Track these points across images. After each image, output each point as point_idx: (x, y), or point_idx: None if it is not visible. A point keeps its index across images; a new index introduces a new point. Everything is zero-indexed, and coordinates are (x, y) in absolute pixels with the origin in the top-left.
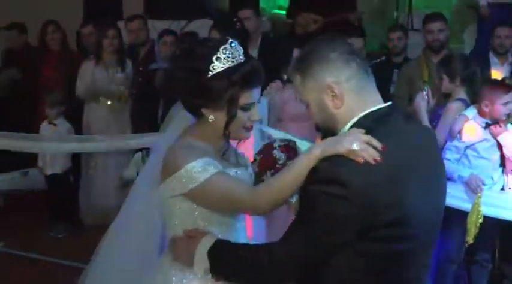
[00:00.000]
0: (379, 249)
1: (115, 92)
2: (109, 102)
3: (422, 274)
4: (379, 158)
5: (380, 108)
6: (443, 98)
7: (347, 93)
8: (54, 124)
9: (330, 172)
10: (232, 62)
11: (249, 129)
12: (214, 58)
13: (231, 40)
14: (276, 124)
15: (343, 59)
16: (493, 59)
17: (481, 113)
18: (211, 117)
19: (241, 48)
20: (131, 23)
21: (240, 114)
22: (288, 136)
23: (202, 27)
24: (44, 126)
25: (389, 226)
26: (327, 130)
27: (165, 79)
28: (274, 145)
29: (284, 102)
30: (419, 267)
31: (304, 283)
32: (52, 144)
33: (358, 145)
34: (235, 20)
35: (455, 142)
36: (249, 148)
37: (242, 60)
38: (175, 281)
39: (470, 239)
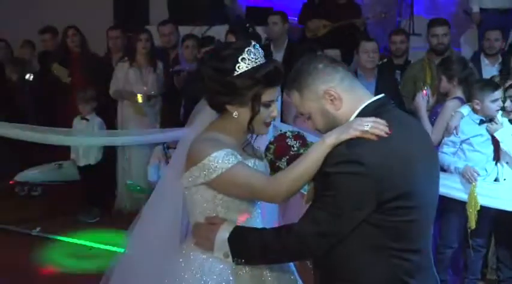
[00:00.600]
0: (390, 220)
1: (146, 91)
2: (140, 101)
3: (425, 246)
4: (389, 131)
5: (377, 99)
6: (442, 97)
7: (343, 93)
8: (87, 120)
9: (347, 154)
10: (256, 62)
11: (268, 124)
12: (239, 59)
13: (254, 43)
14: (292, 121)
15: (331, 66)
16: (483, 60)
17: (475, 110)
18: (235, 113)
19: (262, 50)
20: (164, 27)
21: (262, 110)
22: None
23: (221, 32)
24: (77, 121)
25: (398, 198)
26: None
27: (193, 79)
28: (287, 134)
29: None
30: (423, 239)
31: (321, 259)
32: (84, 138)
33: (369, 125)
34: (247, 25)
35: (452, 137)
36: (264, 142)
37: (264, 61)
38: (197, 265)
39: (472, 224)
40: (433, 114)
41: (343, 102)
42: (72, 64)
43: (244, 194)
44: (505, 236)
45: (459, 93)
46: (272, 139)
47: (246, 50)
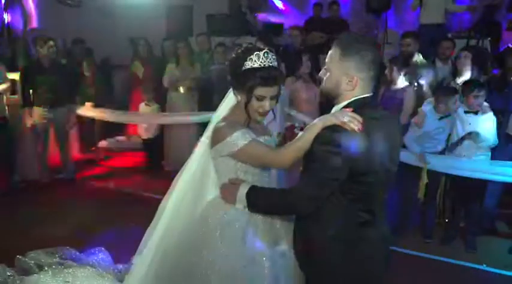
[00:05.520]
0: (353, 189)
1: (188, 85)
2: (182, 91)
3: (376, 209)
4: (360, 127)
5: (365, 97)
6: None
7: (358, 85)
8: (149, 105)
9: (329, 137)
10: (260, 65)
11: (261, 114)
12: (248, 58)
13: (266, 50)
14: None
15: (370, 65)
16: (438, 62)
17: (436, 108)
18: (238, 98)
19: (274, 58)
20: (199, 38)
21: (254, 101)
22: (300, 115)
23: (245, 41)
24: (142, 106)
25: (362, 175)
26: (327, 94)
27: (222, 75)
28: (295, 125)
29: (297, 90)
30: (375, 204)
31: (311, 213)
32: (147, 118)
33: (347, 118)
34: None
35: (415, 129)
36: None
37: (267, 66)
38: (227, 212)
39: (421, 196)
40: (385, 98)
41: (353, 90)
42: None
43: (257, 162)
44: (459, 193)
45: (403, 81)
46: (285, 127)
47: (255, 53)
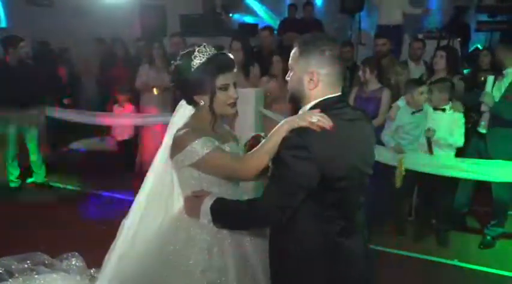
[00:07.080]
0: (327, 196)
1: (161, 86)
2: (156, 93)
3: (351, 215)
4: (330, 128)
5: (333, 97)
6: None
7: (321, 83)
8: (123, 106)
9: (296, 140)
10: (207, 57)
11: (231, 105)
12: (192, 57)
13: (204, 44)
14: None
15: (332, 59)
16: (410, 63)
17: (408, 103)
18: (201, 102)
19: (211, 48)
20: (173, 39)
21: (220, 93)
22: (276, 115)
23: (221, 42)
24: (116, 107)
25: (335, 180)
26: (293, 96)
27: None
28: (262, 135)
29: (270, 90)
30: (350, 210)
31: (279, 226)
32: (122, 119)
33: (315, 119)
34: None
35: (390, 124)
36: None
37: (214, 53)
38: (193, 229)
39: (398, 184)
40: (360, 99)
41: (316, 88)
42: (117, 65)
43: (220, 172)
44: (428, 190)
45: (377, 82)
46: (251, 137)
47: (197, 50)
